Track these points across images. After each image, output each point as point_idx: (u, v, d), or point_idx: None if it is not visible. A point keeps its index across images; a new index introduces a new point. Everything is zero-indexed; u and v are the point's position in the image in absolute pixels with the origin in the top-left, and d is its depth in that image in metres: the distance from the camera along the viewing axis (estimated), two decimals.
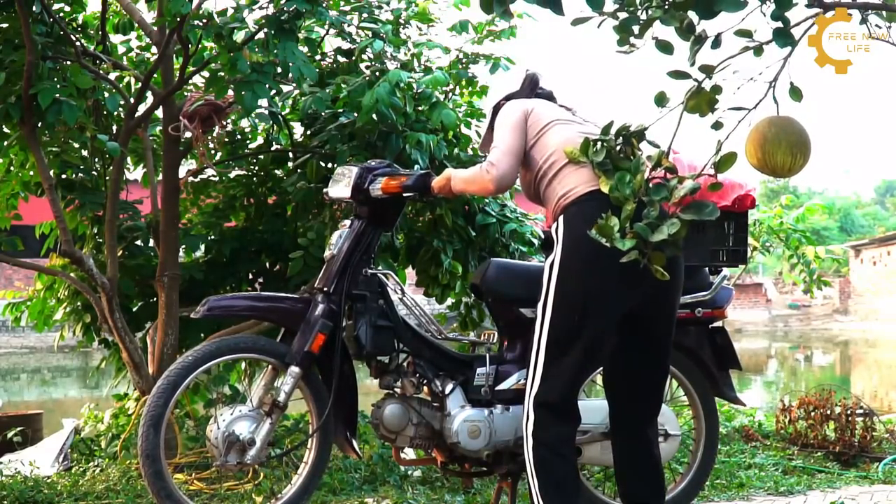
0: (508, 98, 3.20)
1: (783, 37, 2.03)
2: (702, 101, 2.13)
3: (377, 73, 4.31)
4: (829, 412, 5.10)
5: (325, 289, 3.12)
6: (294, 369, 3.02)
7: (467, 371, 3.24)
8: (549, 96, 3.22)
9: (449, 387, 3.19)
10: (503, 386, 3.22)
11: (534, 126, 2.99)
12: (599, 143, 2.50)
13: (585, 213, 2.75)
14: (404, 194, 3.15)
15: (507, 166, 2.94)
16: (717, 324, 3.55)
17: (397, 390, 3.22)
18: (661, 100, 2.20)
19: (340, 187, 3.24)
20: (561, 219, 2.84)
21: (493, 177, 2.93)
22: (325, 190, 3.39)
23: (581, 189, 2.81)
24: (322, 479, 3.38)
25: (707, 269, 3.48)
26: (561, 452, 2.83)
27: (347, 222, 3.24)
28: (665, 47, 2.11)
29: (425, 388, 3.24)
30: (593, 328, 2.80)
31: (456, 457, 3.23)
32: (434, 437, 3.20)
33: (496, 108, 3.19)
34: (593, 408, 3.28)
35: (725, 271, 3.52)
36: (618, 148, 2.48)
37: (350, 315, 3.17)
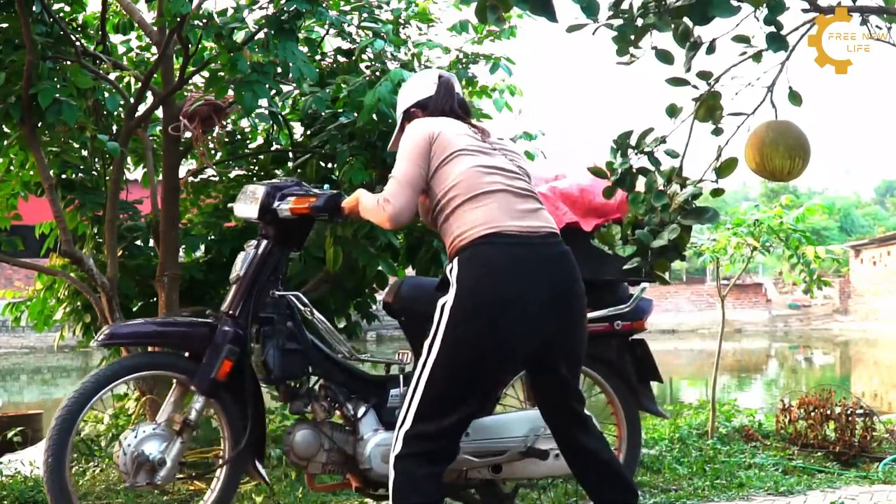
0: (420, 105, 3.04)
1: (776, 41, 2.04)
2: (708, 108, 2.14)
3: (377, 73, 4.31)
4: (829, 412, 5.10)
5: (231, 312, 3.03)
6: (201, 397, 2.96)
7: (381, 393, 3.15)
8: (464, 106, 3.06)
9: (361, 410, 3.10)
10: None
11: (437, 153, 2.79)
12: (622, 157, 2.45)
13: (479, 256, 2.65)
14: (314, 216, 3.04)
15: (404, 201, 2.76)
16: (638, 336, 3.53)
17: (308, 415, 3.13)
18: (672, 111, 2.20)
19: (247, 207, 3.12)
20: (455, 261, 2.69)
21: (388, 215, 2.77)
22: (231, 205, 3.29)
23: (478, 231, 2.66)
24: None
25: (626, 282, 3.49)
26: (421, 486, 2.64)
27: (253, 242, 3.13)
28: (665, 57, 2.12)
29: (337, 412, 3.15)
30: (479, 374, 2.68)
31: (370, 482, 3.11)
32: (347, 461, 3.11)
33: (407, 114, 3.06)
34: (509, 422, 3.25)
35: (644, 284, 3.51)
36: (636, 158, 2.44)
37: (258, 338, 3.07)
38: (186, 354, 3.05)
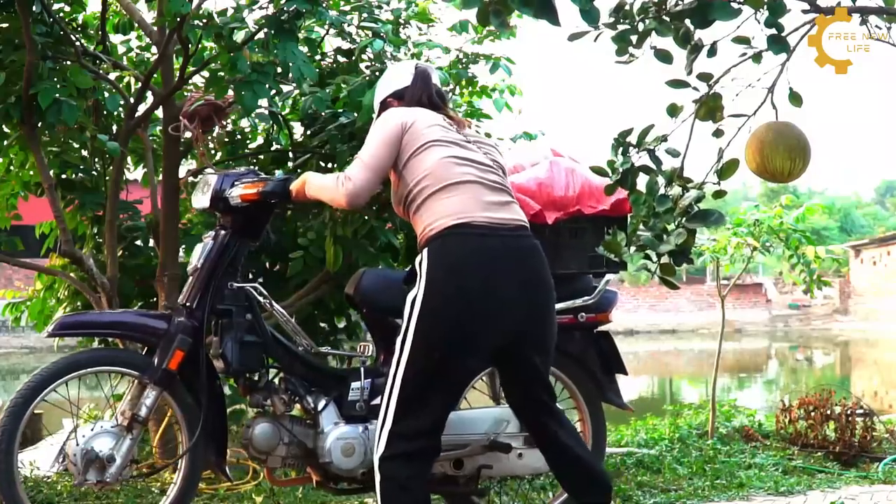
0: (397, 96, 3.02)
1: (777, 43, 2.04)
2: (710, 108, 2.14)
3: (377, 73, 4.31)
4: (829, 412, 5.10)
5: (188, 304, 3.01)
6: (154, 388, 2.94)
7: (342, 386, 3.12)
8: (441, 96, 3.03)
9: (322, 403, 3.08)
10: (379, 401, 2.95)
11: (409, 143, 2.77)
12: (622, 156, 2.45)
13: (448, 247, 2.63)
14: (266, 200, 3.01)
15: (364, 182, 2.76)
16: (603, 328, 3.50)
17: (268, 408, 3.09)
18: (673, 111, 2.20)
19: (200, 196, 3.11)
20: (425, 252, 2.68)
21: (346, 191, 2.76)
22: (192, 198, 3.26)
23: (447, 221, 2.65)
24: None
25: (590, 274, 3.46)
26: (408, 487, 2.62)
27: (212, 233, 3.10)
28: (664, 57, 2.12)
29: (297, 406, 3.12)
30: (453, 367, 2.66)
31: (330, 476, 3.09)
32: (307, 455, 3.08)
33: (383, 105, 3.03)
34: (473, 418, 3.22)
35: (609, 276, 3.48)
36: (636, 157, 2.43)
37: (216, 331, 3.05)
38: (143, 351, 3.04)
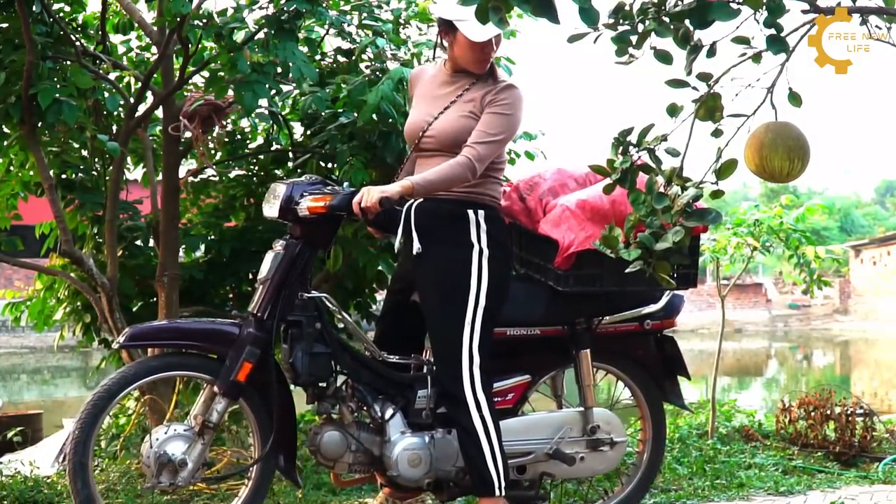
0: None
1: (777, 44, 2.04)
2: (710, 108, 2.14)
3: (377, 73, 4.31)
4: (829, 412, 5.09)
5: (258, 314, 3.01)
6: (223, 399, 2.97)
7: (408, 394, 3.16)
8: None
9: (389, 412, 3.12)
10: (444, 409, 3.14)
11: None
12: (622, 155, 2.44)
13: (502, 220, 3.25)
14: (333, 213, 3.02)
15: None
16: (667, 332, 3.55)
17: (335, 416, 3.13)
18: (673, 111, 2.19)
19: (269, 206, 3.12)
20: (482, 214, 3.13)
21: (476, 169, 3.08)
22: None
23: (499, 201, 3.28)
24: None
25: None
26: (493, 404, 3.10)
27: (282, 242, 3.10)
28: (664, 57, 2.12)
29: (364, 413, 3.16)
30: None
31: (398, 486, 3.16)
32: (374, 462, 3.13)
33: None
34: (536, 424, 3.32)
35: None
36: (636, 157, 2.43)
37: (285, 340, 3.07)
38: (214, 356, 3.04)
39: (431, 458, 3.09)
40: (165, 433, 2.95)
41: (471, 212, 3.09)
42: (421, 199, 3.11)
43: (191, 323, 3.38)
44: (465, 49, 3.11)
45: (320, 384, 3.10)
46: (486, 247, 3.08)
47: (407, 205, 3.11)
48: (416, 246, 3.06)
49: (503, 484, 3.03)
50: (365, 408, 3.14)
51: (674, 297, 3.49)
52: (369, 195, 2.91)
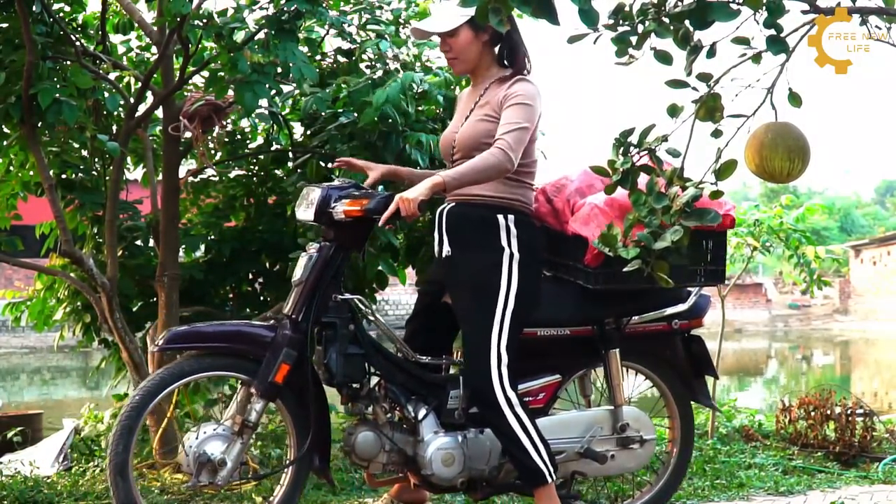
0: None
1: (777, 44, 2.04)
2: (710, 109, 2.14)
3: (380, 74, 4.31)
4: (829, 412, 5.10)
5: (293, 316, 3.05)
6: (261, 399, 3.00)
7: (441, 394, 3.19)
8: None
9: (422, 412, 3.15)
10: (476, 409, 3.18)
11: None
12: (623, 156, 2.44)
13: (533, 224, 3.26)
14: (369, 217, 3.04)
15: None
16: (694, 332, 3.57)
17: (369, 416, 3.17)
18: (673, 111, 2.20)
19: (305, 210, 3.15)
20: (512, 218, 3.14)
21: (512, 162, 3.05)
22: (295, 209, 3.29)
23: (529, 206, 3.27)
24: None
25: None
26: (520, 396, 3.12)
27: (315, 245, 3.14)
28: (664, 58, 2.12)
29: (397, 413, 3.19)
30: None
31: (432, 485, 3.19)
32: (407, 462, 3.17)
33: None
34: (567, 423, 3.34)
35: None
36: (637, 158, 2.43)
37: (320, 341, 3.11)
38: (251, 356, 3.06)
39: (465, 458, 3.13)
40: (205, 433, 2.98)
41: (501, 216, 3.13)
42: (452, 204, 3.20)
43: (229, 325, 3.38)
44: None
45: (354, 385, 3.14)
46: (516, 251, 3.11)
47: (438, 210, 3.22)
48: (446, 249, 3.14)
49: (552, 470, 3.07)
50: (398, 408, 3.18)
51: (701, 297, 3.51)
52: (407, 205, 2.92)
